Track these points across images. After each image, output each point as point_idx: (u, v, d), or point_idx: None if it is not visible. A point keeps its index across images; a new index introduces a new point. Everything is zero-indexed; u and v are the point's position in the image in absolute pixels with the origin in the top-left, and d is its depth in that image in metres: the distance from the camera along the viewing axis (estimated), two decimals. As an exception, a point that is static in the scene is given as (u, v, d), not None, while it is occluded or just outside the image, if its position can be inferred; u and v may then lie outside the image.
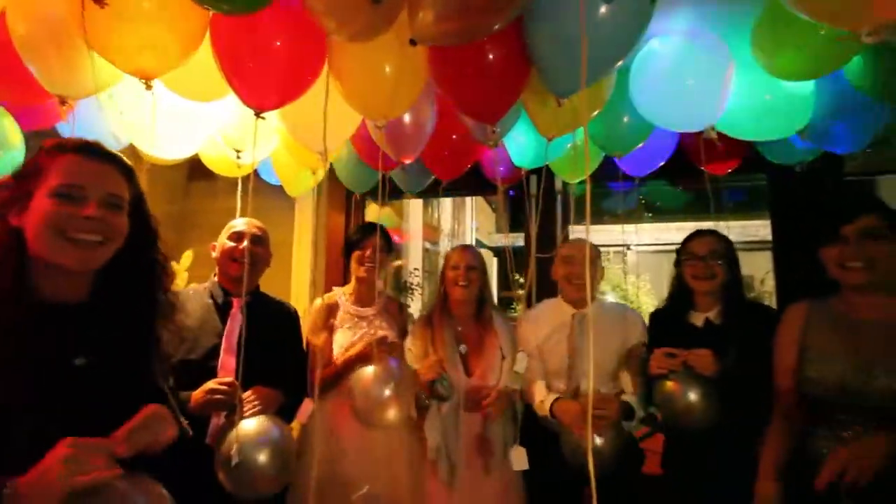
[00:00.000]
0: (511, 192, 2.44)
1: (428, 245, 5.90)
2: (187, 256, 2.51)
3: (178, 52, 1.16)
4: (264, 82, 1.17)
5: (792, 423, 1.27)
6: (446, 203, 6.33)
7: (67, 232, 0.79)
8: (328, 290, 2.03)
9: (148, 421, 0.80)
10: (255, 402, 1.39)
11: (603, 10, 0.95)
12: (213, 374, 1.42)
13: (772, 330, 1.36)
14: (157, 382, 0.92)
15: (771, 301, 2.85)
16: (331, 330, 1.82)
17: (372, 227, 1.80)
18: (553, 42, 1.06)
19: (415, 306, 4.43)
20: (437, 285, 1.87)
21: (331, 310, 1.85)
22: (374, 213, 2.54)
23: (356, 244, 1.86)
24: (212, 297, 1.59)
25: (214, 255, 1.64)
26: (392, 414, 1.46)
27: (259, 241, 1.62)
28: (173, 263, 2.50)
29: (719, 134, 1.42)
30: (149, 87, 1.15)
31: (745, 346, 1.41)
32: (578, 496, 1.53)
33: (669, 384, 1.42)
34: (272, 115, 1.57)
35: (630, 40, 1.06)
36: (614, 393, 1.58)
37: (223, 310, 1.56)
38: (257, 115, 1.21)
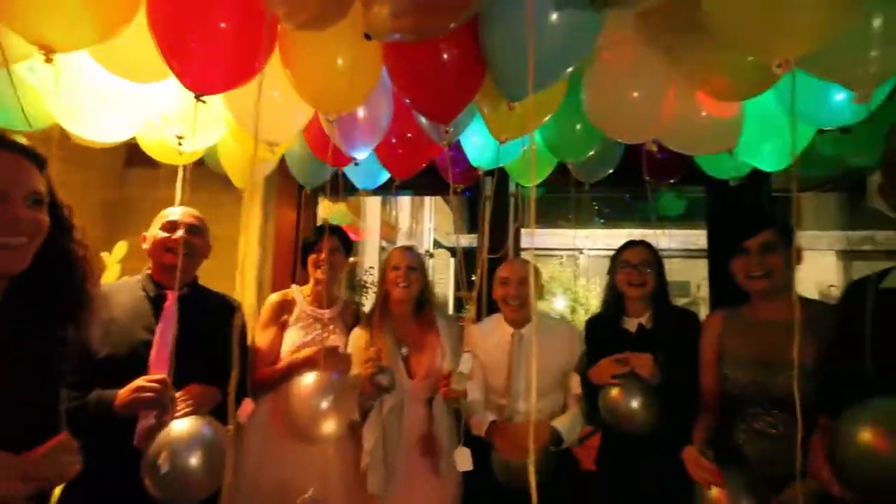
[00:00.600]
0: (466, 193, 2.46)
1: (385, 243, 5.85)
2: (121, 247, 2.36)
3: (97, 28, 1.06)
4: (207, 64, 1.11)
5: (714, 416, 1.42)
6: (405, 202, 6.30)
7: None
8: (276, 288, 1.97)
9: (56, 452, 0.78)
10: (188, 401, 1.32)
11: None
12: (143, 371, 1.33)
13: (696, 334, 1.51)
14: (58, 390, 0.88)
15: (705, 306, 3.03)
16: (282, 326, 1.77)
17: (329, 229, 1.77)
18: (504, 45, 1.07)
19: (369, 305, 4.36)
20: (378, 285, 1.87)
21: (285, 306, 1.82)
22: (326, 208, 2.48)
23: (312, 247, 1.84)
24: (143, 289, 1.48)
25: (145, 246, 1.53)
26: (326, 427, 1.43)
27: (196, 231, 1.53)
28: (104, 254, 2.36)
29: (660, 146, 1.50)
30: (48, 59, 1.04)
31: (674, 350, 1.52)
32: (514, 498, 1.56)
33: (614, 392, 1.49)
34: (218, 101, 1.50)
35: (579, 48, 1.10)
36: (550, 413, 1.65)
37: (156, 303, 1.46)
38: (198, 98, 1.14)
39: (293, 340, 1.74)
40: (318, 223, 2.94)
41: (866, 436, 0.86)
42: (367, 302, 4.45)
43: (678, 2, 1.01)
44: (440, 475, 1.64)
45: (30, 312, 0.82)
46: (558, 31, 1.03)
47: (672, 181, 2.12)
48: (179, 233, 1.46)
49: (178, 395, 1.31)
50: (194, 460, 1.18)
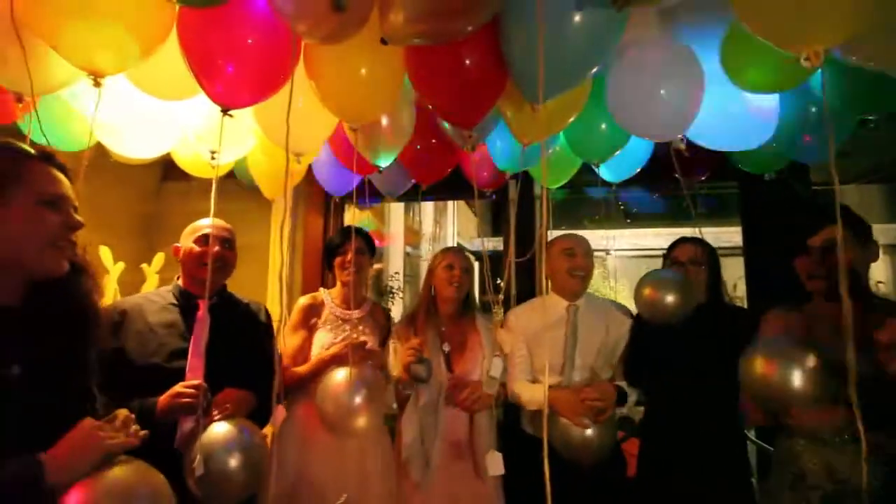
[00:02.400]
0: (492, 197, 2.45)
1: (409, 249, 5.88)
2: (159, 259, 2.45)
3: (137, 50, 1.12)
4: (234, 80, 1.15)
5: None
6: (428, 207, 6.32)
7: (54, 238, 0.84)
8: (306, 293, 2.01)
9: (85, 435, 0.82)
10: (225, 406, 1.35)
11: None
12: (180, 377, 1.38)
13: (749, 331, 1.43)
14: (91, 390, 0.93)
15: (743, 305, 2.92)
16: (312, 329, 1.81)
17: (353, 231, 1.79)
18: (524, 48, 1.06)
19: (395, 310, 4.39)
20: (424, 283, 1.88)
21: (314, 308, 1.86)
22: (353, 216, 2.53)
23: (337, 249, 1.87)
24: (176, 299, 1.54)
25: (178, 257, 1.59)
26: (359, 422, 1.44)
27: (229, 244, 1.58)
28: (144, 266, 2.46)
29: (689, 144, 1.45)
30: (97, 84, 1.11)
31: (721, 348, 1.47)
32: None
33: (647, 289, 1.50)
34: (247, 115, 1.55)
35: (601, 49, 1.08)
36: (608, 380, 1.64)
37: (187, 312, 1.51)
38: (224, 112, 1.18)
39: (322, 342, 1.77)
40: (343, 227, 2.99)
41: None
42: (394, 307, 4.48)
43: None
44: (480, 473, 1.62)
45: (48, 318, 0.87)
46: (579, 31, 1.01)
47: (703, 178, 2.06)
48: (216, 248, 1.51)
49: (214, 399, 1.35)
50: (233, 462, 1.23)
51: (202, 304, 1.51)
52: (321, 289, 1.95)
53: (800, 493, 1.24)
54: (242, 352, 1.49)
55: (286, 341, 1.81)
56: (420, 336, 1.70)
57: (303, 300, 1.89)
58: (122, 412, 0.91)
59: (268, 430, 1.51)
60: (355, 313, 1.83)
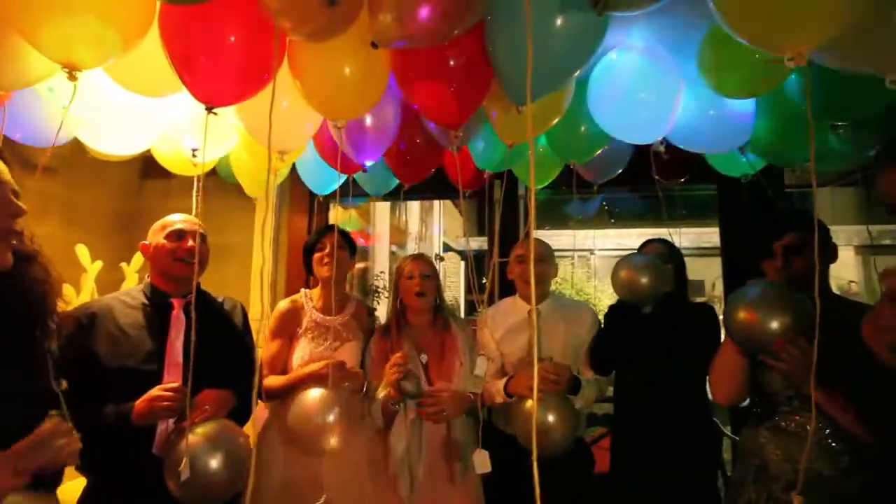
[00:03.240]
0: (475, 197, 2.46)
1: (395, 248, 5.87)
2: (138, 258, 2.40)
3: (117, 44, 1.09)
4: (217, 77, 1.14)
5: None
6: (413, 206, 6.32)
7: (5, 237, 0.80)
8: (290, 294, 1.97)
9: (47, 437, 0.79)
10: (205, 407, 1.33)
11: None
12: (154, 379, 1.35)
13: (712, 326, 1.55)
14: (50, 388, 0.89)
15: (721, 304, 3.00)
16: (291, 336, 1.75)
17: (329, 227, 1.77)
18: (508, 51, 1.08)
19: (381, 310, 4.38)
20: (391, 296, 1.83)
21: (293, 315, 1.77)
22: (338, 215, 2.51)
23: (314, 245, 1.81)
24: (147, 299, 1.49)
25: (147, 255, 1.52)
26: (331, 441, 1.43)
27: (203, 239, 1.52)
28: (123, 265, 2.41)
29: (668, 146, 1.49)
30: (72, 77, 1.07)
31: (685, 335, 1.59)
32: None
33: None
34: (230, 113, 1.53)
35: (584, 52, 1.10)
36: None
37: (161, 312, 1.46)
38: (208, 110, 1.17)
39: (303, 353, 1.70)
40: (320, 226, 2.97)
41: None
42: (380, 306, 4.46)
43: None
44: (460, 480, 1.63)
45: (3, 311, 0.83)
46: (562, 35, 1.03)
47: (682, 180, 2.11)
48: (191, 242, 1.46)
49: (194, 401, 1.32)
50: (215, 463, 1.21)
51: (177, 304, 1.47)
52: (302, 290, 1.88)
53: (762, 484, 1.28)
54: (219, 350, 1.45)
55: (266, 347, 1.76)
56: (395, 347, 1.65)
57: (282, 305, 1.82)
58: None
59: (247, 428, 1.50)
60: (337, 319, 1.76)
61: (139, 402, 1.29)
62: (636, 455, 1.65)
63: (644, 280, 1.53)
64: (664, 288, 1.59)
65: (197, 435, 1.24)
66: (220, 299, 1.63)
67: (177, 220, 1.52)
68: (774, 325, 1.12)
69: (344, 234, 1.83)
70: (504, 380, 1.66)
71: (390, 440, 1.61)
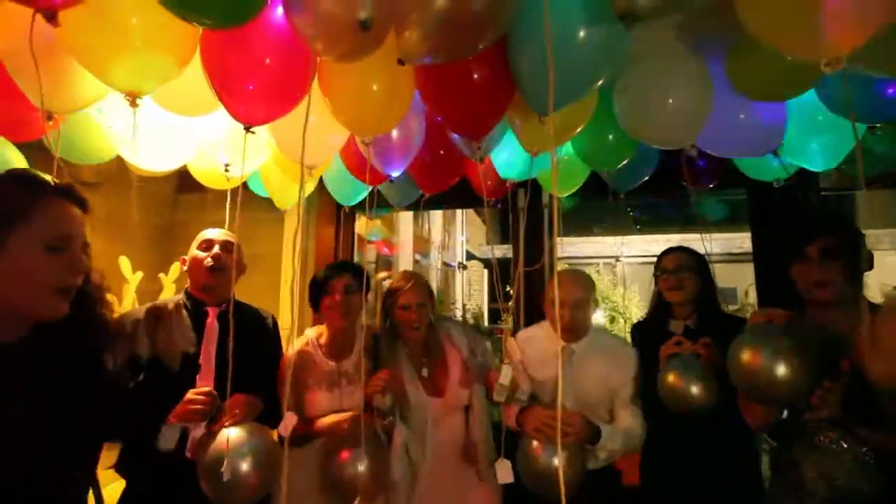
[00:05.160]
0: (499, 205, 2.47)
1: (418, 257, 5.92)
2: (175, 268, 2.50)
3: (171, 71, 1.18)
4: (254, 98, 1.19)
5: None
6: (436, 215, 6.36)
7: (59, 284, 0.78)
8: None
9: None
10: (235, 412, 1.38)
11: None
12: (191, 384, 1.42)
13: None
14: (119, 397, 0.93)
15: (745, 313, 2.90)
16: (302, 388, 1.63)
17: (340, 267, 1.70)
18: (531, 62, 1.09)
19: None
20: (380, 314, 1.75)
21: (302, 366, 1.65)
22: (363, 225, 2.56)
23: (323, 287, 1.65)
24: (185, 307, 1.58)
25: (185, 268, 1.64)
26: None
27: (228, 247, 1.59)
28: (161, 276, 2.51)
29: (699, 151, 1.47)
30: (134, 104, 1.16)
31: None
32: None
33: (670, 377, 1.46)
34: (263, 130, 1.59)
35: (608, 62, 1.10)
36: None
37: (197, 319, 1.55)
38: (247, 129, 1.22)
39: (320, 405, 1.62)
40: (356, 239, 3.03)
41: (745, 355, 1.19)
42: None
43: (711, 10, 0.99)
44: (483, 483, 1.62)
45: (56, 345, 0.83)
46: (586, 46, 1.04)
47: (711, 185, 2.06)
48: (216, 249, 1.57)
49: (224, 405, 1.36)
50: (245, 465, 1.26)
51: (211, 312, 1.56)
52: (306, 332, 1.75)
53: (797, 498, 1.23)
54: (251, 358, 1.46)
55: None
56: (389, 366, 1.62)
57: (289, 355, 1.58)
58: None
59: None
60: (346, 364, 1.66)
61: (177, 408, 1.35)
62: (671, 467, 1.58)
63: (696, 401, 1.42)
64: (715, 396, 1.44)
65: (228, 438, 1.28)
66: (254, 309, 1.70)
67: (208, 232, 1.64)
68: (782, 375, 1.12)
69: (355, 271, 1.68)
70: (517, 410, 1.61)
71: (391, 462, 1.55)
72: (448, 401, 1.69)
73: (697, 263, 1.67)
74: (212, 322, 1.54)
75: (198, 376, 1.46)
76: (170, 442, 1.35)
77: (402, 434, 1.59)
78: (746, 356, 1.18)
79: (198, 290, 1.59)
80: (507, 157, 1.85)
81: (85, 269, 0.82)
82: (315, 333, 1.73)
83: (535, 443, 1.47)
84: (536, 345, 1.73)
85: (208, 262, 1.55)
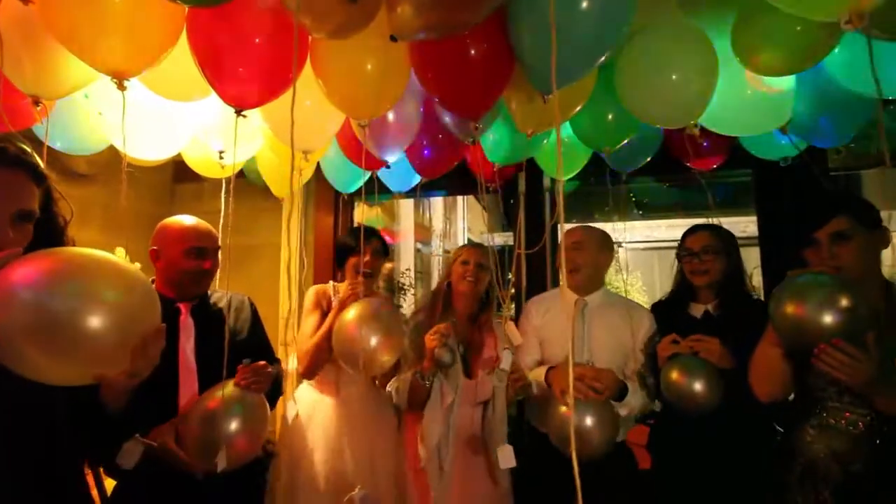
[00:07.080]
0: (497, 191, 2.42)
1: (419, 245, 5.89)
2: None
3: (157, 52, 1.14)
4: (244, 79, 1.15)
5: None
6: (437, 203, 6.32)
7: None
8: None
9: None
10: (248, 376, 1.34)
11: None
12: (168, 385, 1.35)
13: (763, 325, 1.36)
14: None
15: (760, 296, 2.87)
16: (323, 312, 1.81)
17: (368, 232, 1.78)
18: (533, 37, 1.05)
19: (406, 307, 4.41)
20: (441, 278, 1.85)
21: (324, 296, 1.85)
22: (362, 213, 2.53)
23: (352, 250, 1.82)
24: None
25: (156, 263, 1.47)
26: (382, 358, 1.41)
27: (217, 253, 1.52)
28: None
29: (702, 129, 1.42)
30: (122, 87, 1.12)
31: (739, 340, 1.43)
32: (569, 499, 1.52)
33: (674, 374, 1.43)
34: (256, 115, 1.56)
35: (612, 34, 1.06)
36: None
37: (169, 318, 1.38)
38: (238, 112, 1.19)
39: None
40: (355, 226, 3.00)
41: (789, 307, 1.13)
42: (405, 304, 4.48)
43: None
44: (493, 476, 1.62)
45: None
46: (590, 18, 0.99)
47: (716, 166, 2.02)
48: (210, 264, 1.48)
49: (240, 367, 1.33)
50: (234, 425, 1.25)
51: (184, 308, 1.45)
52: (330, 282, 1.94)
53: (809, 486, 1.21)
54: (234, 346, 1.38)
55: (302, 326, 1.81)
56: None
57: (314, 287, 1.91)
58: None
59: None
60: None
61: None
62: (683, 450, 1.55)
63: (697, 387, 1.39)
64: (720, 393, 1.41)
65: (213, 398, 1.27)
66: (226, 296, 1.59)
67: (193, 232, 1.46)
68: (828, 320, 1.05)
69: (380, 239, 1.87)
70: (544, 370, 1.58)
71: (423, 426, 1.58)
72: (476, 385, 1.68)
73: (725, 244, 1.60)
74: (185, 319, 1.43)
75: (180, 379, 1.36)
76: (131, 460, 1.18)
77: (451, 396, 1.58)
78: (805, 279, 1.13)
79: (169, 287, 1.46)
80: (495, 140, 1.78)
81: (5, 247, 0.71)
82: (339, 285, 1.87)
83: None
84: (548, 304, 1.74)
85: (200, 269, 1.45)
